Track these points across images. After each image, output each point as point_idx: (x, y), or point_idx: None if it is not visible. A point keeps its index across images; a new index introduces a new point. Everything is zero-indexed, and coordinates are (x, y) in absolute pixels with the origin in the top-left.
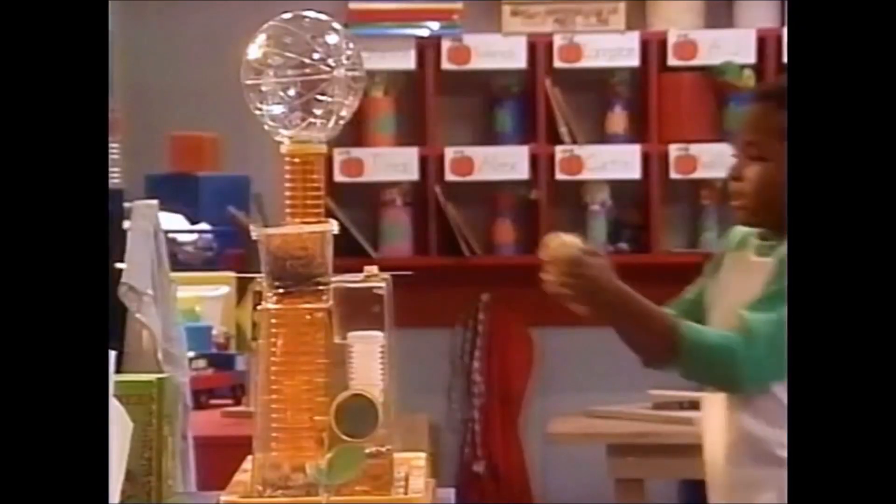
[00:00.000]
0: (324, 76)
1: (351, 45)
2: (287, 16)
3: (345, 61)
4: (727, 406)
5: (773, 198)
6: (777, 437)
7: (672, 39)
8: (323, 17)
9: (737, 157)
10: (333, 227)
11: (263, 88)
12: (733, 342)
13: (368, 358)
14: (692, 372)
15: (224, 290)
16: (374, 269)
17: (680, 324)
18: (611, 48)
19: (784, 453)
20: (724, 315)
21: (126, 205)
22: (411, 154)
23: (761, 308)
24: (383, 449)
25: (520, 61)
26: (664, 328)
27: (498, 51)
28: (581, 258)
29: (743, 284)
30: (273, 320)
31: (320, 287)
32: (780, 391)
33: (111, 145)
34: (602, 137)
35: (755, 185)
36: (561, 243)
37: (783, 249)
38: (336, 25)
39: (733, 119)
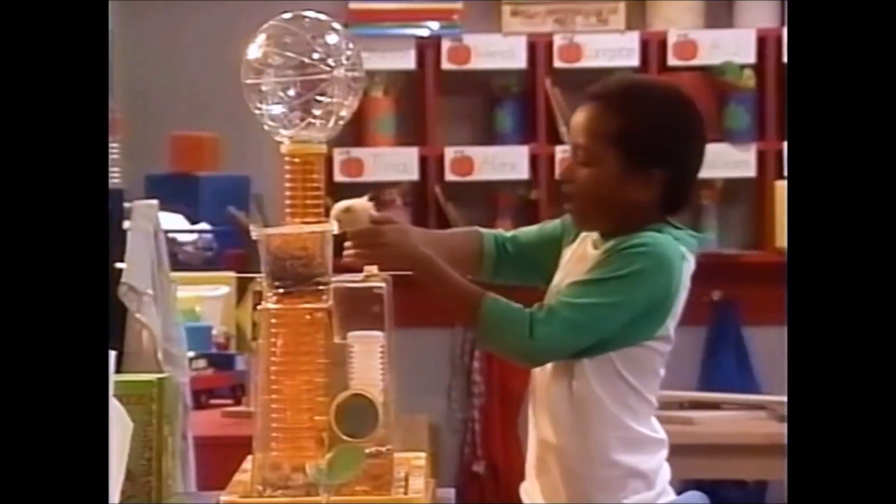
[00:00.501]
0: (324, 76)
1: (351, 45)
2: (287, 16)
3: (345, 61)
4: (560, 375)
5: (601, 203)
6: (612, 396)
7: (672, 39)
8: (323, 17)
9: (568, 160)
10: (333, 227)
11: (263, 88)
12: (529, 316)
13: (368, 358)
14: (487, 338)
15: (224, 290)
16: (374, 268)
17: (484, 294)
18: (611, 48)
19: (618, 410)
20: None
21: (126, 205)
22: (411, 154)
23: (572, 291)
24: (383, 449)
25: (520, 61)
26: (467, 295)
27: (498, 51)
28: (374, 229)
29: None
30: (273, 320)
31: (320, 287)
32: (616, 357)
33: (111, 145)
34: None
35: (583, 190)
36: (352, 218)
37: (614, 241)
38: (336, 25)
39: (733, 119)
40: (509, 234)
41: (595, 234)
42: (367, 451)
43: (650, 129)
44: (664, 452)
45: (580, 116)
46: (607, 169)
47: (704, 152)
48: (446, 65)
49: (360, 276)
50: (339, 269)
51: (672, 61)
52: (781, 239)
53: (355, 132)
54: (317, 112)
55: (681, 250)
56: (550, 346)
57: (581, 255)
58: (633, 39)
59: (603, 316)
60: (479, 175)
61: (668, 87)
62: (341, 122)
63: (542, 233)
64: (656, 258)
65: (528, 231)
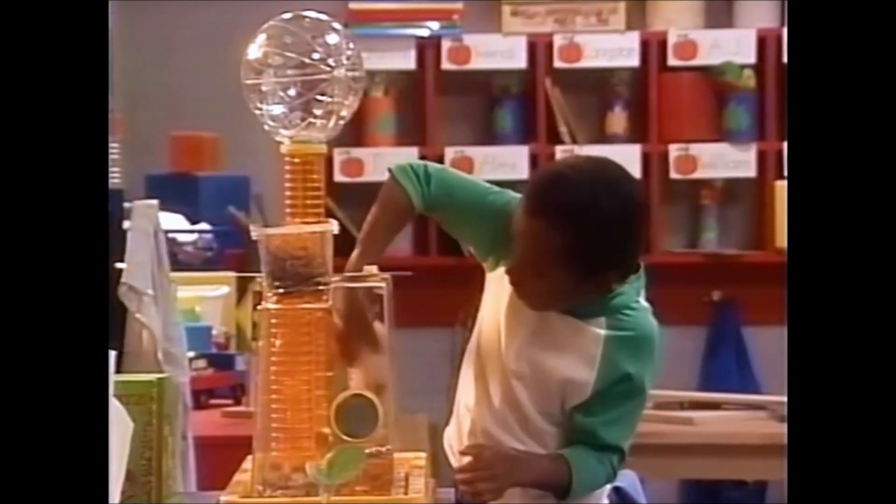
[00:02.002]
0: (324, 76)
1: (351, 45)
2: (287, 16)
3: (345, 61)
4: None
5: (554, 302)
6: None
7: (672, 39)
8: (323, 17)
9: (516, 257)
10: (333, 227)
11: (263, 88)
12: (608, 470)
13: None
14: (577, 497)
15: (224, 290)
16: (373, 268)
17: (568, 470)
18: (611, 48)
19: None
20: (493, 339)
21: (126, 205)
22: (411, 154)
23: (619, 427)
24: (383, 449)
25: (520, 61)
26: (556, 477)
27: (498, 51)
28: (486, 462)
29: (541, 332)
30: (273, 320)
31: (320, 287)
32: None
33: (111, 145)
34: (602, 137)
35: (534, 292)
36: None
37: (610, 343)
38: (336, 25)
39: (733, 119)
40: (436, 181)
41: None
42: (367, 451)
43: (602, 241)
44: None
45: (525, 229)
46: (559, 282)
47: (649, 224)
48: (446, 65)
49: (360, 275)
50: (340, 269)
51: (672, 61)
52: (781, 239)
53: (355, 132)
54: (317, 112)
55: (647, 307)
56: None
57: (540, 315)
58: (633, 39)
59: (636, 422)
60: (480, 175)
61: (611, 184)
62: (341, 122)
63: (481, 220)
64: (652, 343)
65: (464, 201)
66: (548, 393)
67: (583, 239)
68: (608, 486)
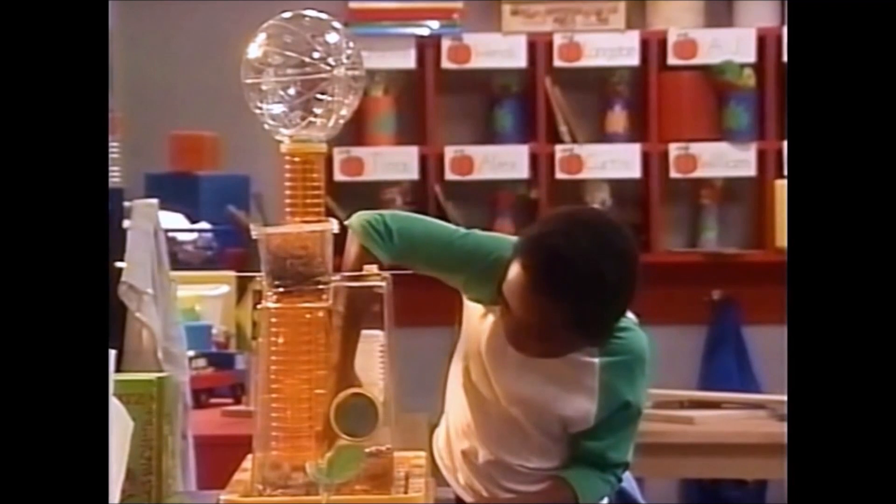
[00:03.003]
0: (324, 75)
1: (351, 45)
2: (287, 15)
3: (345, 60)
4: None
5: (552, 353)
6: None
7: (672, 38)
8: (323, 16)
9: (515, 315)
10: (333, 226)
11: (263, 87)
12: (612, 481)
13: (368, 357)
14: None
15: (224, 289)
16: (373, 268)
17: (573, 493)
18: (611, 47)
19: None
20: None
21: (126, 204)
22: (411, 153)
23: (622, 446)
24: (383, 448)
25: (520, 60)
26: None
27: (498, 50)
28: None
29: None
30: (273, 319)
31: (320, 286)
32: None
33: (111, 144)
34: (602, 137)
35: (533, 349)
36: None
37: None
38: (336, 24)
39: (733, 118)
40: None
41: None
42: (367, 450)
43: (606, 305)
44: None
45: (524, 299)
46: (560, 343)
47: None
48: (446, 64)
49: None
50: (340, 268)
51: (672, 60)
52: (781, 238)
53: (355, 131)
54: (317, 111)
55: (634, 320)
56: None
57: (508, 354)
58: (633, 38)
59: (636, 434)
60: (479, 174)
61: (605, 244)
62: (341, 122)
63: (449, 267)
64: (644, 363)
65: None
66: (547, 420)
67: (588, 308)
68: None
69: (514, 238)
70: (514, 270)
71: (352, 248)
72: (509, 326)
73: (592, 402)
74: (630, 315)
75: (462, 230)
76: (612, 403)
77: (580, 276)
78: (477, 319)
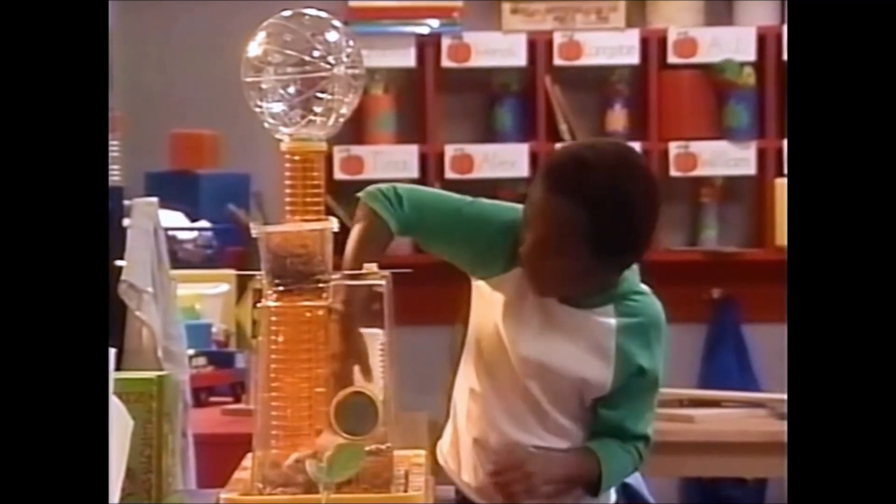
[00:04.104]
0: (324, 74)
1: (351, 43)
2: (287, 13)
3: (345, 59)
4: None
5: (569, 285)
6: None
7: (672, 37)
8: (323, 14)
9: (531, 238)
10: (333, 224)
11: (263, 86)
12: (636, 458)
13: (369, 356)
14: (608, 489)
15: (224, 287)
16: (373, 266)
17: (598, 464)
18: (611, 46)
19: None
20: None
21: (126, 202)
22: (411, 152)
23: (642, 416)
24: (383, 447)
25: (520, 59)
26: (586, 473)
27: (498, 48)
28: (518, 463)
29: (552, 329)
30: (273, 318)
31: (320, 285)
32: None
33: (111, 143)
34: (602, 135)
35: (550, 273)
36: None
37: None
38: (336, 23)
39: (733, 117)
40: (412, 207)
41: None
42: (367, 448)
43: (622, 222)
44: None
45: (543, 206)
46: (578, 261)
47: (660, 211)
48: (446, 62)
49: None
50: (339, 267)
51: (672, 59)
52: (781, 237)
53: (355, 130)
54: (317, 110)
55: (648, 290)
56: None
57: (544, 312)
58: (633, 37)
59: (655, 406)
60: (479, 173)
61: (628, 167)
62: (341, 120)
63: (471, 237)
64: (660, 327)
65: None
66: (564, 390)
67: (605, 217)
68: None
69: (522, 206)
70: (535, 185)
71: (360, 215)
72: (529, 259)
73: (609, 364)
74: (643, 286)
75: (469, 198)
76: (627, 367)
77: (601, 180)
78: (487, 305)
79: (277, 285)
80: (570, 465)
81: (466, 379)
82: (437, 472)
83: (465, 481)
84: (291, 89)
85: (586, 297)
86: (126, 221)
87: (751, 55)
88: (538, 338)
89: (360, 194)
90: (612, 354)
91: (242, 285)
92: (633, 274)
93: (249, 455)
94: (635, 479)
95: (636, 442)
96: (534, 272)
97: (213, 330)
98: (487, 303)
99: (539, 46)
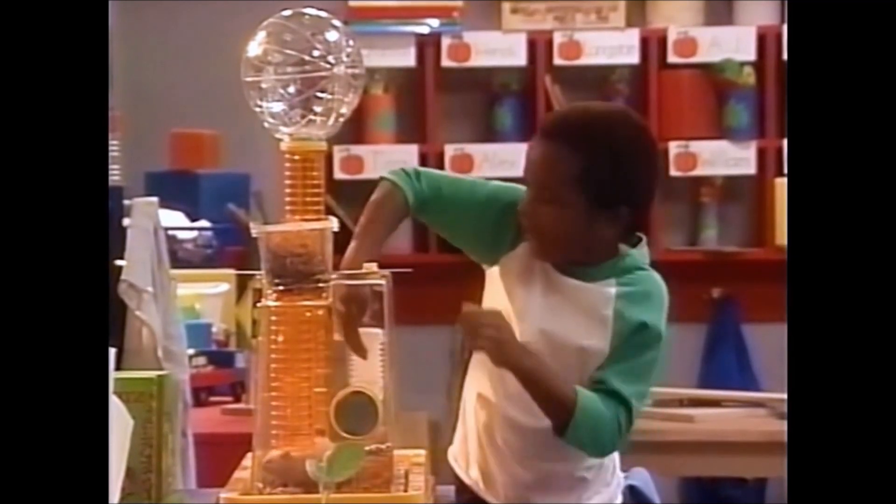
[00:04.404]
0: (324, 73)
1: (351, 43)
2: (287, 13)
3: (345, 58)
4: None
5: (566, 241)
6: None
7: (672, 37)
8: (323, 14)
9: (529, 194)
10: (333, 224)
11: (263, 85)
12: (617, 420)
13: (368, 355)
14: (574, 437)
15: (224, 287)
16: (373, 266)
17: (576, 396)
18: (611, 45)
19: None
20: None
21: (126, 202)
22: (411, 151)
23: (631, 379)
24: (383, 446)
25: (520, 59)
26: (562, 396)
27: (498, 48)
28: (484, 316)
29: (555, 302)
30: (273, 317)
31: (320, 284)
32: None
33: (111, 143)
34: None
35: (547, 228)
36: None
37: (621, 296)
38: (336, 23)
39: (733, 116)
40: (431, 186)
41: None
42: (366, 448)
43: (617, 168)
44: None
45: (540, 154)
46: (574, 209)
47: (660, 178)
48: (446, 62)
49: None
50: (339, 266)
51: (672, 59)
52: (781, 236)
53: (355, 129)
54: (317, 109)
55: (653, 271)
56: (624, 440)
57: (548, 285)
58: (633, 37)
59: (649, 382)
60: (479, 172)
61: (625, 118)
62: (341, 120)
63: (482, 214)
64: (663, 298)
65: (461, 197)
66: (566, 364)
67: (598, 162)
68: (623, 485)
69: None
70: (532, 142)
71: (378, 190)
72: (527, 213)
73: (606, 331)
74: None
75: (481, 180)
76: (625, 328)
77: (595, 126)
78: (496, 290)
79: (277, 285)
80: (542, 368)
81: (476, 382)
82: (437, 472)
83: (472, 477)
84: (291, 89)
85: (588, 269)
86: (126, 221)
87: (751, 55)
88: (542, 309)
89: (383, 175)
90: (610, 321)
91: (242, 285)
92: (638, 253)
93: (249, 454)
94: (643, 482)
95: (617, 404)
96: (532, 228)
97: (213, 330)
98: (497, 288)
99: (539, 46)
